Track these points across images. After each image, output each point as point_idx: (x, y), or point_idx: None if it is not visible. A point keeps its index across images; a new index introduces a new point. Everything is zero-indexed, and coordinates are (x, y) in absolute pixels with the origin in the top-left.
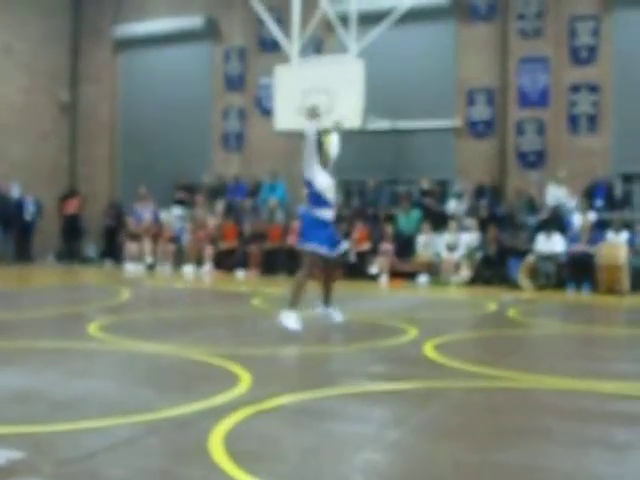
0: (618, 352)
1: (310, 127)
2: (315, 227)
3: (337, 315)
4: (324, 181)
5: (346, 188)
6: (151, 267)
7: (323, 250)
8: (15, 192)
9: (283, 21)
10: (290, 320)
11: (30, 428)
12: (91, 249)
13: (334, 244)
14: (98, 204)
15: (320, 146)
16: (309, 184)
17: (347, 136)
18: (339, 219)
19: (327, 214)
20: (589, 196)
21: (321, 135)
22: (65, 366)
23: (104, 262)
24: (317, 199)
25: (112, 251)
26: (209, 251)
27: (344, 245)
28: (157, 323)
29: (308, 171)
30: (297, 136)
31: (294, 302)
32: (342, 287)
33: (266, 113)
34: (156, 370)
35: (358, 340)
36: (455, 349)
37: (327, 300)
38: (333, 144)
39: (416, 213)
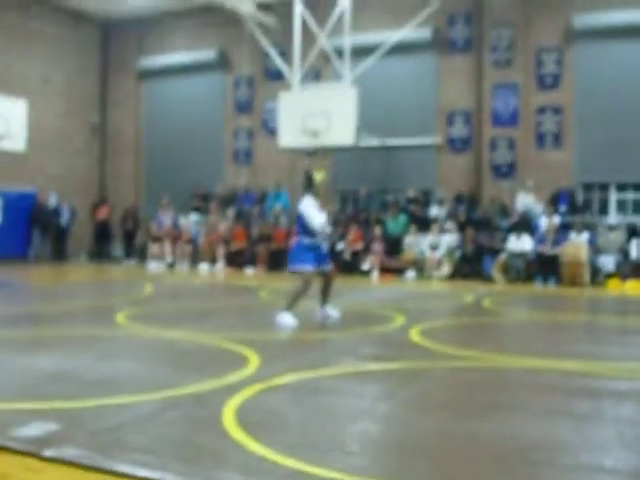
0: (579, 336)
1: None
2: (304, 251)
3: (334, 312)
4: (322, 219)
5: (342, 196)
6: (171, 265)
7: (309, 267)
8: (52, 201)
9: (286, 53)
10: (286, 319)
11: (64, 404)
12: (118, 249)
13: (322, 263)
14: (121, 213)
15: (310, 181)
16: (305, 218)
17: (342, 152)
18: (336, 223)
19: (313, 240)
20: (554, 202)
21: (312, 172)
22: (96, 350)
23: (126, 261)
24: (305, 229)
25: (130, 251)
26: (221, 251)
27: (329, 266)
28: (176, 313)
29: (310, 210)
30: (297, 152)
31: (291, 305)
32: (338, 282)
33: (271, 133)
34: (175, 353)
35: (352, 327)
36: (438, 334)
37: (324, 300)
38: (322, 180)
39: (403, 218)
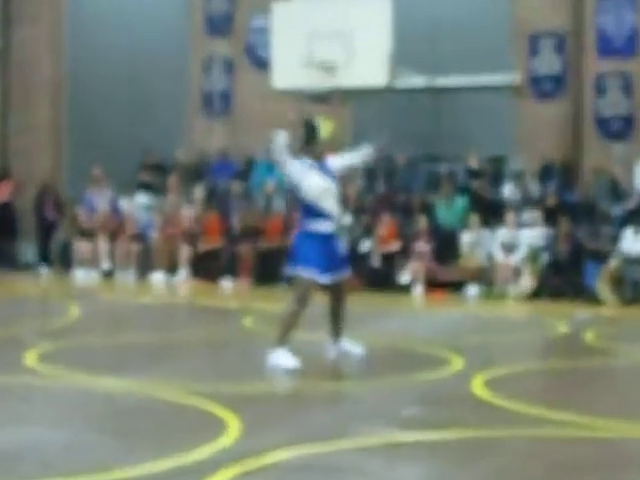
0: None
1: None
2: (308, 245)
3: (355, 349)
4: (318, 184)
5: (368, 168)
6: (108, 274)
7: (317, 276)
8: None
9: None
10: (282, 358)
11: None
12: (28, 251)
13: (335, 266)
14: (34, 191)
15: (313, 134)
16: (295, 189)
17: (369, 97)
18: (358, 210)
19: (324, 227)
20: None
21: (313, 121)
22: None
23: (42, 268)
24: (307, 209)
25: (47, 253)
26: (185, 253)
27: (344, 273)
28: (117, 351)
29: (289, 170)
30: (300, 97)
31: (284, 338)
32: (362, 302)
33: (261, 66)
34: (115, 414)
35: (382, 374)
36: (514, 386)
37: (337, 332)
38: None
39: (461, 201)
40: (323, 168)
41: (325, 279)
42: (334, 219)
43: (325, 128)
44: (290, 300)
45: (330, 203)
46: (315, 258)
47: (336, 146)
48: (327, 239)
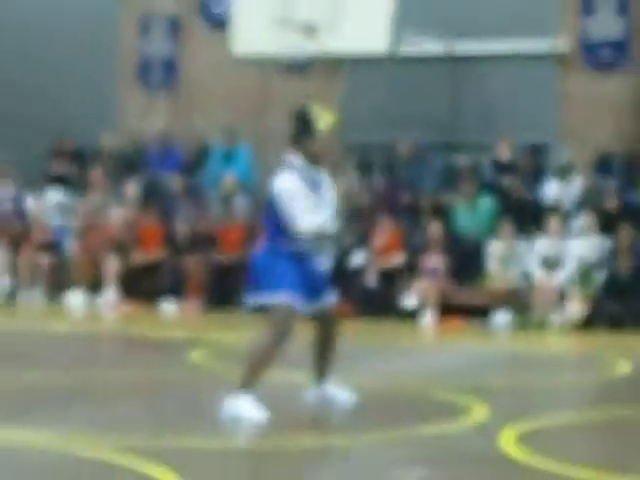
0: None
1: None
2: (280, 263)
3: (343, 394)
4: (314, 222)
5: (363, 158)
6: (9, 295)
7: (296, 301)
8: None
9: None
10: (246, 406)
11: None
12: None
13: (317, 290)
14: None
15: (307, 127)
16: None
17: (365, 68)
18: (350, 213)
19: (299, 243)
20: None
21: (308, 110)
22: None
23: None
24: (279, 221)
25: None
26: (113, 267)
27: (330, 300)
28: (19, 394)
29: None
30: (271, 66)
31: (251, 380)
32: (354, 332)
33: (217, 26)
34: (16, 474)
35: (379, 426)
36: (554, 442)
37: (321, 373)
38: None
39: (487, 203)
40: (316, 178)
41: (305, 306)
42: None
43: (323, 120)
44: (264, 332)
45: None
46: (289, 279)
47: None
48: (303, 257)
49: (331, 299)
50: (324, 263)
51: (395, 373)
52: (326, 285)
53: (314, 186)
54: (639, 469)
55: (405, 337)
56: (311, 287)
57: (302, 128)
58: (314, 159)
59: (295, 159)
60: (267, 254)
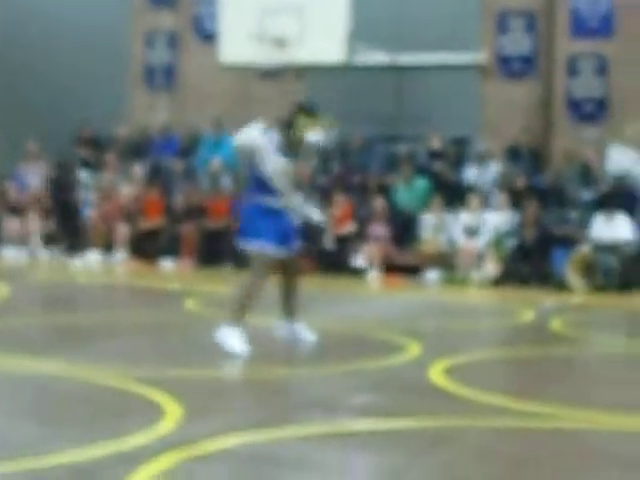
0: None
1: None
2: (260, 217)
3: (306, 333)
4: (276, 164)
5: (322, 149)
6: (39, 253)
7: (270, 249)
8: None
9: None
10: (233, 339)
11: None
12: None
13: (287, 239)
14: None
15: (290, 129)
16: (254, 161)
17: (325, 74)
18: (311, 190)
19: (275, 201)
20: None
21: (311, 107)
22: None
23: None
24: (260, 184)
25: None
26: (123, 232)
27: (298, 244)
28: (48, 332)
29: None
30: (250, 72)
31: (239, 315)
32: (314, 285)
33: (208, 39)
34: (46, 398)
35: (335, 359)
36: (474, 374)
37: (290, 312)
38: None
39: (421, 183)
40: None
41: (279, 252)
42: (284, 198)
43: (312, 133)
44: (247, 276)
45: (285, 184)
46: (267, 231)
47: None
48: (279, 213)
49: (299, 246)
50: (293, 219)
51: (347, 318)
52: (294, 235)
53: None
54: (539, 395)
55: (355, 289)
56: (285, 235)
57: (296, 121)
58: (286, 149)
59: (276, 137)
60: (250, 210)
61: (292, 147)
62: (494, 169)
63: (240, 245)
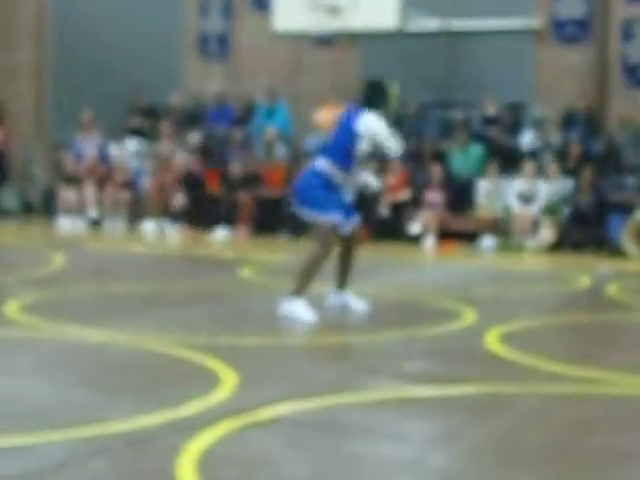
0: None
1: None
2: (323, 189)
3: (358, 303)
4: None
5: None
6: (96, 223)
7: (340, 222)
8: None
9: None
10: (300, 309)
11: None
12: (11, 198)
13: (350, 213)
14: (18, 136)
15: (382, 98)
16: (353, 135)
17: (379, 41)
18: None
19: (340, 177)
20: None
21: (383, 83)
22: None
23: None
24: (342, 158)
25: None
26: (180, 201)
27: (355, 223)
28: (104, 301)
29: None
30: (304, 41)
31: (303, 286)
32: (369, 253)
33: (262, 7)
34: (103, 366)
35: (390, 326)
36: (530, 340)
37: (342, 282)
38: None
39: (476, 149)
40: None
41: (346, 226)
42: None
43: (394, 92)
44: (312, 247)
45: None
46: (335, 204)
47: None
48: (338, 186)
49: (356, 220)
50: (349, 194)
51: (402, 285)
52: (353, 210)
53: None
54: (593, 361)
55: (410, 257)
56: (348, 210)
57: (376, 95)
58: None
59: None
60: (313, 176)
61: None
62: (549, 136)
63: (302, 213)
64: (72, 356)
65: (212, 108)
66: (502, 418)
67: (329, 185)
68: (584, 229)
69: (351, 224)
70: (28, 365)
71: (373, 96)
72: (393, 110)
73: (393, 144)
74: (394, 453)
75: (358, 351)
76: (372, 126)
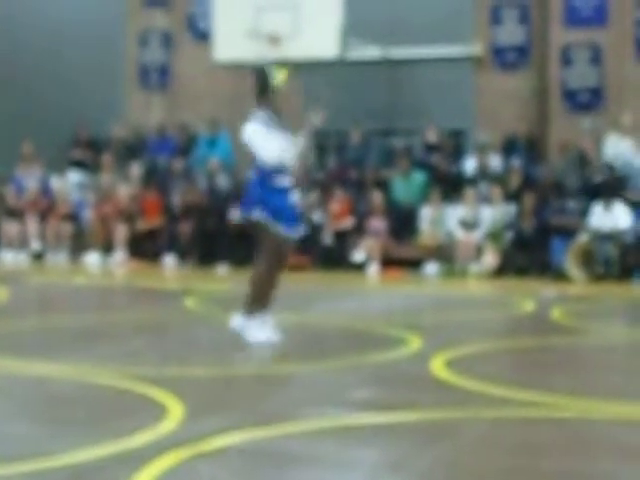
0: None
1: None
2: (271, 192)
3: (269, 331)
4: (277, 148)
5: (320, 142)
6: (39, 256)
7: (288, 231)
8: None
9: None
10: (257, 330)
11: None
12: None
13: (295, 220)
14: None
15: (266, 82)
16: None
17: (320, 70)
18: (308, 186)
19: (285, 180)
20: None
21: (265, 67)
22: None
23: None
24: (267, 168)
25: None
26: (122, 233)
27: (301, 228)
28: (47, 334)
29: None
30: (245, 70)
31: (256, 305)
32: (314, 280)
33: (202, 38)
34: (45, 399)
35: (335, 354)
36: (475, 366)
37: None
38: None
39: (419, 176)
40: (281, 123)
41: (286, 231)
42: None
43: (279, 75)
44: (260, 260)
45: (288, 159)
46: (283, 211)
47: (291, 96)
48: (288, 191)
49: (299, 233)
50: (297, 205)
51: (346, 312)
52: (299, 218)
53: (279, 128)
54: (539, 385)
55: (354, 284)
56: (294, 214)
57: (263, 84)
58: (277, 112)
59: (259, 112)
60: (260, 184)
61: (275, 106)
62: (492, 161)
63: (246, 214)
64: (14, 389)
65: (153, 139)
66: (449, 444)
67: (274, 187)
68: (527, 254)
69: (298, 233)
70: None
71: (258, 83)
72: (281, 97)
73: (264, 153)
74: None
75: (303, 380)
76: (246, 136)
